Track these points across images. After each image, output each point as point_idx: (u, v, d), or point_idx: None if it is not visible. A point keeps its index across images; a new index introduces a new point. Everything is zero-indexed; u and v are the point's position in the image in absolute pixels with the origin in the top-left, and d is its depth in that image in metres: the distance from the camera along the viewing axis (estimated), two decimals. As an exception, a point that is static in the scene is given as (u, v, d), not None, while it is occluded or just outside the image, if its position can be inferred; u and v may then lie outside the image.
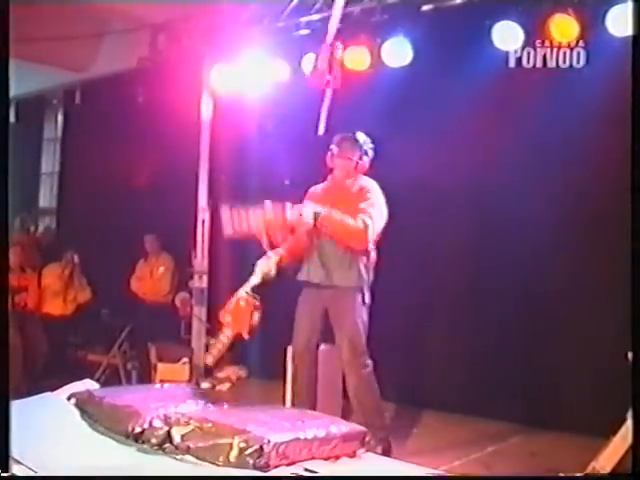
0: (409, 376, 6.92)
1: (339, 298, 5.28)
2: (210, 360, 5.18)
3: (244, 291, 5.01)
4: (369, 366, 5.27)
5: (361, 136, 5.42)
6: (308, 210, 5.09)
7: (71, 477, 3.51)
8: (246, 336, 4.92)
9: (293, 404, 5.53)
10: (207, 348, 8.38)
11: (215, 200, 8.44)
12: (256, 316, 4.93)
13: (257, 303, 4.96)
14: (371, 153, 5.46)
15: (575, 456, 4.86)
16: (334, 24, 4.91)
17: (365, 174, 5.46)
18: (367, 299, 5.31)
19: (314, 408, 5.25)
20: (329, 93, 4.83)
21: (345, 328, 5.25)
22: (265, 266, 5.17)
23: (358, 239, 5.18)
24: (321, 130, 4.80)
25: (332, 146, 5.41)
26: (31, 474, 3.48)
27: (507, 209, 6.46)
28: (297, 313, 5.47)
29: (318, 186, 5.61)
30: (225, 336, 4.94)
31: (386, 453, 5.03)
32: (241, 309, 4.93)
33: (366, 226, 5.13)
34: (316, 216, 5.07)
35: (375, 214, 5.22)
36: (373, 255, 5.35)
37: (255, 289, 5.07)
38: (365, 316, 5.30)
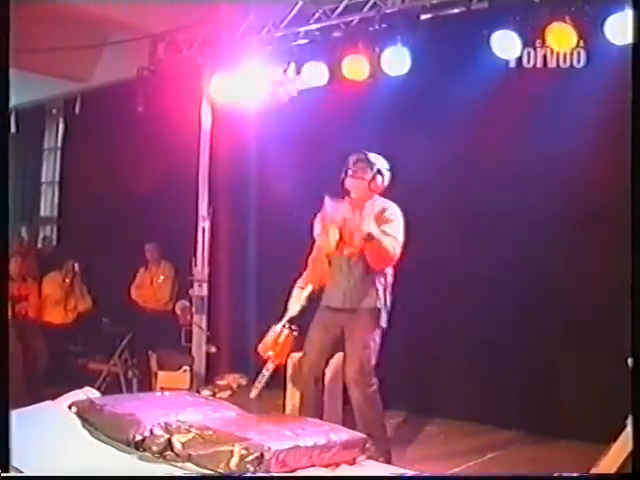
0: (410, 384, 6.92)
1: (356, 319, 5.26)
2: (254, 393, 5.37)
3: (283, 325, 5.26)
4: (374, 385, 5.26)
5: (374, 156, 5.40)
6: (366, 226, 5.06)
7: (71, 477, 3.52)
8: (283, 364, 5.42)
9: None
10: (208, 357, 8.46)
11: (215, 209, 8.47)
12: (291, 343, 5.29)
13: (295, 334, 5.28)
14: (387, 173, 5.44)
15: (575, 463, 4.86)
16: None
17: (381, 194, 5.45)
18: (384, 322, 5.30)
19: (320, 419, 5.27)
20: None
21: (356, 348, 5.24)
22: (302, 298, 5.38)
23: (392, 258, 5.21)
24: None
25: (347, 167, 5.40)
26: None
27: (508, 214, 6.47)
28: (310, 333, 5.45)
29: (336, 203, 5.59)
30: (267, 369, 5.27)
31: (387, 463, 5.04)
32: (282, 344, 5.23)
33: (394, 248, 5.16)
34: (369, 235, 5.05)
35: (399, 237, 5.22)
36: (390, 276, 5.36)
37: (293, 320, 5.32)
38: (378, 338, 5.27)
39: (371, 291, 5.24)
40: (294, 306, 5.36)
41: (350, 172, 5.39)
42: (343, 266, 5.29)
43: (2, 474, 3.16)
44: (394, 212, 5.31)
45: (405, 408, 6.84)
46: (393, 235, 5.18)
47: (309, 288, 5.43)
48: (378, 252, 5.13)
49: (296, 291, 5.45)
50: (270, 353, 5.20)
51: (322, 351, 5.38)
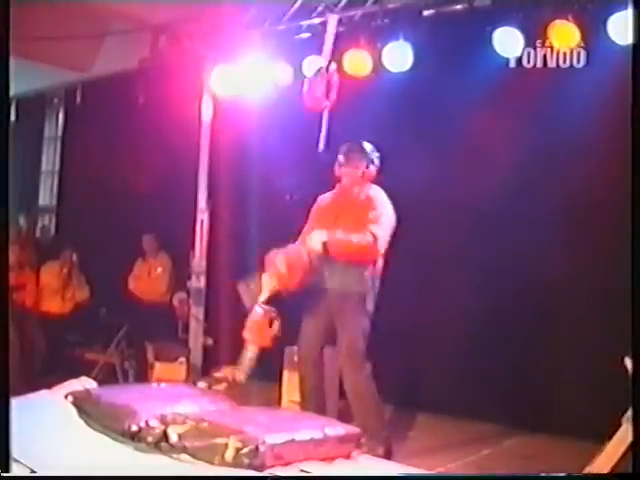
0: (405, 378, 6.93)
1: (343, 303, 5.30)
2: (242, 377, 5.31)
3: (257, 306, 5.20)
4: (367, 369, 5.30)
5: (367, 145, 5.47)
6: (315, 241, 5.16)
7: (71, 477, 3.52)
8: (269, 346, 5.20)
9: (302, 406, 5.54)
10: (205, 349, 8.45)
11: (214, 201, 8.47)
12: (276, 325, 5.18)
13: (273, 314, 5.19)
14: (377, 162, 5.52)
15: (570, 460, 4.88)
16: (328, 48, 5.00)
17: (373, 182, 5.51)
18: (371, 307, 5.35)
19: (323, 410, 5.28)
20: (326, 115, 4.93)
21: (345, 331, 5.29)
22: (270, 281, 5.27)
23: (369, 253, 5.25)
24: (321, 147, 4.92)
25: (339, 155, 5.49)
26: (29, 473, 3.49)
27: (508, 212, 6.48)
28: (303, 321, 5.52)
29: (327, 195, 5.68)
30: (250, 352, 5.20)
31: (387, 454, 5.09)
32: (258, 323, 5.16)
33: (376, 238, 5.20)
34: (324, 245, 5.14)
35: (385, 223, 5.28)
36: (379, 263, 5.39)
37: (268, 301, 5.23)
38: (367, 322, 5.33)
39: (358, 275, 5.27)
40: (264, 289, 5.27)
41: (342, 160, 5.47)
42: None
43: (2, 474, 3.17)
44: (380, 197, 5.38)
45: (400, 403, 6.84)
46: (373, 221, 5.22)
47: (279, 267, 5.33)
48: (348, 252, 5.20)
49: (265, 275, 5.34)
50: (248, 335, 5.17)
51: (315, 336, 5.40)
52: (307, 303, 5.48)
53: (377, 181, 5.55)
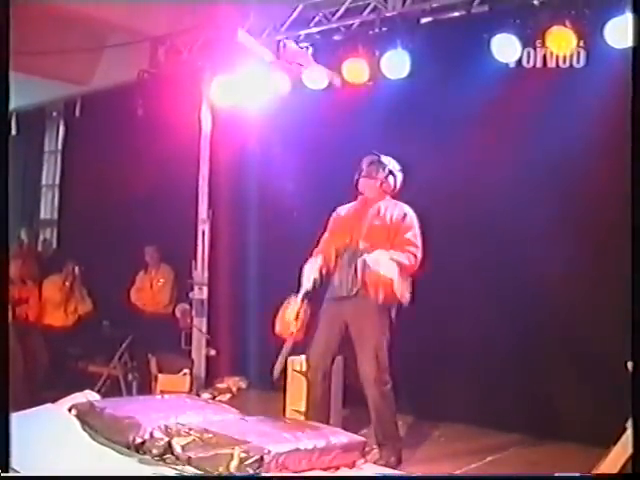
0: (410, 387, 6.91)
1: (364, 312, 5.29)
2: (277, 373, 5.29)
3: (301, 299, 5.22)
4: (389, 382, 5.32)
5: (386, 158, 5.52)
6: (387, 266, 5.13)
7: (71, 477, 3.53)
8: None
9: (307, 416, 5.54)
10: (208, 360, 8.45)
11: (215, 212, 8.48)
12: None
13: (309, 311, 5.27)
14: (400, 175, 5.56)
15: (575, 466, 4.86)
16: None
17: (393, 195, 5.55)
18: (393, 315, 5.35)
19: (327, 420, 5.27)
20: None
21: (370, 343, 5.27)
22: (314, 270, 5.33)
23: (410, 272, 5.28)
24: None
25: (361, 166, 5.53)
26: None
27: (507, 216, 6.47)
28: (316, 331, 5.49)
29: (347, 206, 5.69)
30: (287, 347, 5.21)
31: (399, 462, 5.12)
32: (302, 318, 5.19)
33: (416, 259, 5.27)
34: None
35: (418, 241, 5.36)
36: None
37: (308, 294, 5.28)
38: (389, 333, 5.33)
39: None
40: (308, 279, 5.31)
41: (363, 173, 5.51)
42: (354, 257, 5.32)
43: (2, 474, 3.17)
44: (412, 216, 5.44)
45: (405, 411, 6.82)
46: (413, 244, 5.30)
47: (320, 257, 5.41)
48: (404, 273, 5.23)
49: (308, 265, 5.40)
50: (292, 329, 5.15)
51: (328, 347, 5.40)
52: (322, 313, 5.47)
53: (398, 193, 5.59)
